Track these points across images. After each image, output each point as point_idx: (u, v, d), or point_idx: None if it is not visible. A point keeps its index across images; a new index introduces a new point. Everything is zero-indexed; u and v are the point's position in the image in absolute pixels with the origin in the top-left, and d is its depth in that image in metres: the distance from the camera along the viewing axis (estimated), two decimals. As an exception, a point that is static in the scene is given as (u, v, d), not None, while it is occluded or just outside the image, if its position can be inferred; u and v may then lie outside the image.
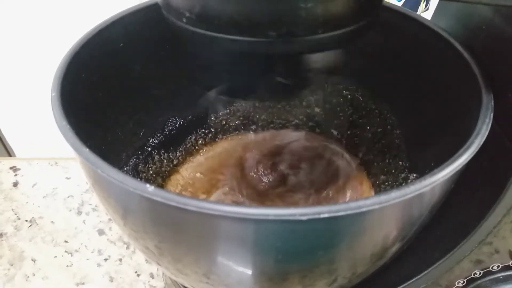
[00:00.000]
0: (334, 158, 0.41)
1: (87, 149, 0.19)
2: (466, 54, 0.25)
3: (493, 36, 0.26)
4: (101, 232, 0.49)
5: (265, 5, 0.18)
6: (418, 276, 0.29)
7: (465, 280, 0.30)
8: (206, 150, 0.42)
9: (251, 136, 0.43)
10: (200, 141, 0.42)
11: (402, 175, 0.35)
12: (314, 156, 0.41)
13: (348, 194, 0.37)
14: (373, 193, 0.38)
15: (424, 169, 0.31)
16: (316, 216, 0.16)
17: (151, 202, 0.17)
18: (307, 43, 0.20)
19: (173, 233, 0.20)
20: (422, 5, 0.91)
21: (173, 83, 0.36)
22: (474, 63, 0.25)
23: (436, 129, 0.30)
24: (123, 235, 0.48)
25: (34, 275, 0.44)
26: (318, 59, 0.37)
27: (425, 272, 0.29)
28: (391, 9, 0.31)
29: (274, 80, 0.35)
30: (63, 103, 0.22)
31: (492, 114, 0.22)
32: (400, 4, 0.89)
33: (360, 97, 0.38)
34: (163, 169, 0.39)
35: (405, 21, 0.30)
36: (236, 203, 0.37)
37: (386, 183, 0.37)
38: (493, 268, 0.29)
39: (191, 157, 0.41)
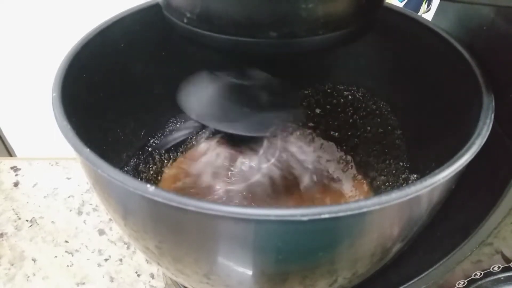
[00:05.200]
0: (333, 159, 0.41)
1: (88, 149, 0.19)
2: (467, 55, 0.25)
3: (494, 36, 0.26)
4: (101, 232, 0.49)
5: (266, 5, 0.18)
6: (419, 277, 0.29)
7: (465, 281, 0.30)
8: (206, 150, 0.42)
9: (251, 136, 0.43)
10: (201, 141, 0.42)
11: (403, 176, 0.35)
12: (313, 159, 0.41)
13: (347, 195, 0.37)
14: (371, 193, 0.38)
15: (424, 170, 0.31)
16: (317, 217, 0.16)
17: (152, 202, 0.17)
18: (307, 44, 0.20)
19: (173, 233, 0.20)
20: (424, 6, 0.91)
21: (173, 83, 0.36)
22: (475, 63, 0.25)
23: (437, 129, 0.30)
24: (124, 235, 0.48)
25: (34, 275, 0.44)
26: (318, 59, 0.37)
27: (426, 272, 0.29)
28: (392, 10, 0.31)
29: (274, 80, 0.35)
30: (64, 103, 0.22)
31: (493, 115, 0.22)
32: (401, 5, 0.89)
33: (360, 98, 0.38)
34: (163, 169, 0.39)
35: (406, 22, 0.30)
36: (237, 203, 0.37)
37: (387, 184, 0.37)
38: (494, 269, 0.29)
39: (191, 157, 0.41)
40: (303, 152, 0.41)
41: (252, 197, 0.37)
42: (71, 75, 0.24)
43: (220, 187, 0.38)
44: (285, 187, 0.38)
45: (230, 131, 0.30)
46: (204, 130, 0.42)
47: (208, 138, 0.42)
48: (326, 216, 0.16)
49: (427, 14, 0.91)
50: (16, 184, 0.54)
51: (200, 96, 0.30)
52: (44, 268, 0.45)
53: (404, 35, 0.31)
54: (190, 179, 0.39)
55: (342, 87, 0.39)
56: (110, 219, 0.50)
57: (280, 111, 0.31)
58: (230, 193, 0.38)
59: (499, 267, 0.29)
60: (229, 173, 0.39)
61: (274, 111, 0.30)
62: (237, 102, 0.30)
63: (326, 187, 0.38)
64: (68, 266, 0.45)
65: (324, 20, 0.19)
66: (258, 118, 0.30)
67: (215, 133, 0.42)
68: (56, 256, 0.46)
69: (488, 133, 0.21)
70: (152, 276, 0.44)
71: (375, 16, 0.23)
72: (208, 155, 0.40)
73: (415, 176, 0.33)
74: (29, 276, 0.44)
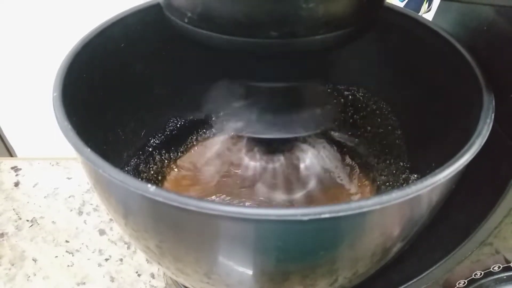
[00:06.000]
0: (333, 159, 0.41)
1: (89, 149, 0.19)
2: (467, 55, 0.25)
3: (494, 36, 0.26)
4: (102, 232, 0.49)
5: (267, 5, 0.18)
6: (419, 277, 0.29)
7: (466, 281, 0.30)
8: (207, 150, 0.42)
9: (252, 136, 0.43)
10: (201, 141, 0.42)
11: (403, 176, 0.35)
12: (314, 158, 0.41)
13: (348, 195, 0.37)
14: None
15: (425, 170, 0.31)
16: (317, 217, 0.16)
17: (152, 202, 0.17)
18: (308, 44, 0.20)
19: (174, 233, 0.20)
20: (425, 6, 0.91)
21: (174, 83, 0.36)
22: (476, 63, 0.25)
23: (437, 129, 0.30)
24: (124, 235, 0.48)
25: (35, 275, 0.44)
26: (318, 59, 0.37)
27: (426, 272, 0.29)
28: (392, 10, 0.31)
29: (275, 80, 0.35)
30: (64, 103, 0.22)
31: (493, 115, 0.22)
32: (402, 5, 0.89)
33: (361, 98, 0.38)
34: (164, 169, 0.39)
35: (407, 21, 0.30)
36: (237, 203, 0.37)
37: (387, 184, 0.37)
38: (494, 268, 0.29)
39: (192, 157, 0.41)
40: (303, 152, 0.41)
41: (253, 197, 0.37)
42: (71, 75, 0.24)
43: (223, 187, 0.38)
44: (286, 187, 0.38)
45: (266, 135, 0.29)
46: (205, 130, 0.42)
47: (209, 138, 0.42)
48: (327, 215, 0.16)
49: (428, 14, 0.91)
50: (16, 184, 0.54)
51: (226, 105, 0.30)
52: (45, 268, 0.45)
53: (405, 35, 0.31)
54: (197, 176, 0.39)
55: (342, 87, 0.39)
56: (111, 219, 0.50)
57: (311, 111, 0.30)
58: (232, 192, 0.38)
59: (499, 267, 0.29)
60: (233, 172, 0.40)
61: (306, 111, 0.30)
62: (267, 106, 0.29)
63: (326, 187, 0.38)
64: (68, 266, 0.45)
65: (324, 20, 0.19)
66: (290, 119, 0.29)
67: (217, 133, 0.42)
68: (56, 256, 0.46)
69: (488, 133, 0.21)
70: (152, 276, 0.44)
71: (376, 16, 0.23)
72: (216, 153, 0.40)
73: (415, 176, 0.33)
74: (29, 276, 0.44)
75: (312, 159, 0.41)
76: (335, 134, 0.41)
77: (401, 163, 0.35)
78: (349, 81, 0.38)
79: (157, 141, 0.38)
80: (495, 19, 0.25)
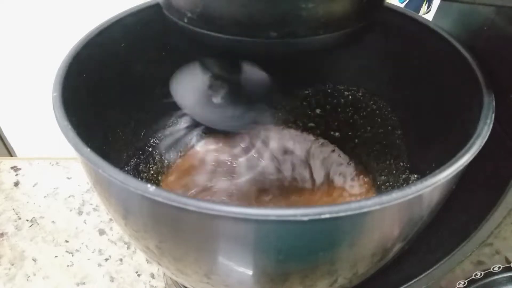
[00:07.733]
0: (334, 159, 0.41)
1: (88, 149, 0.19)
2: (467, 55, 0.25)
3: (494, 36, 0.26)
4: (101, 232, 0.49)
5: (267, 5, 0.18)
6: (419, 277, 0.29)
7: (466, 281, 0.30)
8: (206, 150, 0.42)
9: (251, 136, 0.43)
10: (201, 141, 0.42)
11: (403, 176, 0.35)
12: (313, 157, 0.41)
13: (348, 195, 0.37)
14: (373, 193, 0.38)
15: (425, 170, 0.31)
16: (317, 217, 0.16)
17: (152, 202, 0.17)
18: (308, 44, 0.20)
19: (174, 233, 0.20)
20: (424, 7, 0.91)
21: (174, 83, 0.36)
22: (476, 64, 0.25)
23: (437, 129, 0.30)
24: (124, 235, 0.48)
25: (35, 274, 0.44)
26: (319, 59, 0.37)
27: (426, 273, 0.29)
28: (392, 10, 0.31)
29: (275, 81, 0.35)
30: (64, 103, 0.22)
31: (493, 115, 0.22)
32: (402, 5, 0.89)
33: (361, 98, 0.38)
34: (164, 169, 0.39)
35: (407, 22, 0.30)
36: (237, 203, 0.37)
37: (387, 184, 0.37)
38: (494, 269, 0.29)
39: (192, 157, 0.41)
40: (304, 152, 0.41)
41: (252, 197, 0.37)
42: (71, 75, 0.24)
43: (222, 187, 0.38)
44: (287, 187, 0.38)
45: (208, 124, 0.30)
46: (205, 130, 0.42)
47: (209, 138, 0.42)
48: (327, 216, 0.16)
49: (427, 15, 0.91)
50: (16, 184, 0.54)
51: (188, 88, 0.30)
52: (45, 268, 0.45)
53: (405, 35, 0.31)
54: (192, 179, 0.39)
55: (343, 87, 0.39)
56: (111, 219, 0.50)
57: (253, 110, 0.31)
58: (231, 192, 0.38)
59: (499, 267, 0.29)
60: (233, 172, 0.40)
61: (248, 109, 0.31)
62: (218, 95, 0.30)
63: (326, 187, 0.38)
64: (68, 266, 0.45)
65: (324, 20, 0.19)
66: (234, 114, 0.30)
67: (216, 133, 0.42)
68: (56, 256, 0.46)
69: (488, 133, 0.21)
70: (152, 276, 0.44)
71: (376, 16, 0.23)
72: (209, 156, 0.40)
73: (415, 176, 0.33)
74: (29, 276, 0.44)
75: (313, 159, 0.41)
76: (336, 134, 0.41)
77: (401, 163, 0.35)
78: (349, 81, 0.38)
79: (157, 141, 0.38)
80: (495, 19, 0.25)
